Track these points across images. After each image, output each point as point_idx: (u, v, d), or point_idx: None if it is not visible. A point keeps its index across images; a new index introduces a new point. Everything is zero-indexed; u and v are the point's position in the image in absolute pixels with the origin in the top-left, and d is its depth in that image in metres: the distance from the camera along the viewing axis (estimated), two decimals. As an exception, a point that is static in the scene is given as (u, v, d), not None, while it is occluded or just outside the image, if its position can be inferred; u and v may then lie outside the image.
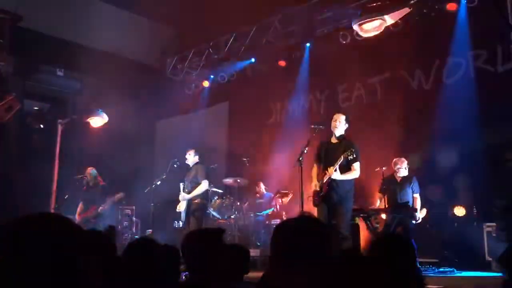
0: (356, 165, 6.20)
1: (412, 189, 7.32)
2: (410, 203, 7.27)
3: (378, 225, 7.46)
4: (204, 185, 7.92)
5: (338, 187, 6.14)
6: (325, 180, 6.11)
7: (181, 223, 8.03)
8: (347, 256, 2.21)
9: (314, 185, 6.31)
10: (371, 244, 2.65)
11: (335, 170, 6.05)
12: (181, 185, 8.06)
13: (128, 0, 10.29)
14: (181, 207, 7.94)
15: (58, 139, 8.11)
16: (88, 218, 8.38)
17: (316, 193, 6.27)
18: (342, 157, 6.05)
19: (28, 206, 8.18)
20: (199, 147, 8.49)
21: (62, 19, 9.97)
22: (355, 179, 6.30)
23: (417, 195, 7.30)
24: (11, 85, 9.48)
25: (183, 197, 7.93)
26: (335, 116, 6.39)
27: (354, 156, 6.08)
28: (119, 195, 8.53)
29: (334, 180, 6.10)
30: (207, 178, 8.00)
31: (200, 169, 8.04)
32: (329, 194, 6.12)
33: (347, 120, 6.37)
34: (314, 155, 6.54)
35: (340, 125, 6.31)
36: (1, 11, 9.02)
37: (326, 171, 6.14)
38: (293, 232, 1.79)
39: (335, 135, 6.36)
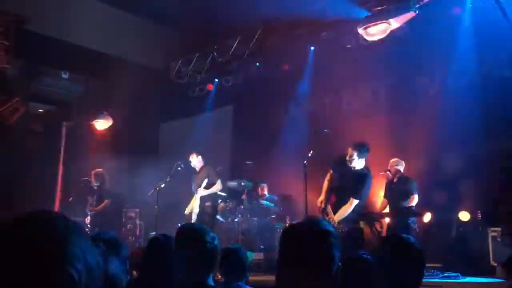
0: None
1: (408, 189, 7.25)
2: (407, 204, 7.22)
3: (382, 230, 7.42)
4: (219, 184, 8.10)
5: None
6: (327, 216, 6.30)
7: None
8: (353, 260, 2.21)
9: (320, 201, 6.38)
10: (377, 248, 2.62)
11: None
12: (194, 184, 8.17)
13: (133, 3, 10.31)
14: (193, 208, 7.96)
15: (63, 141, 8.15)
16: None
17: (320, 211, 6.48)
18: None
19: (32, 209, 8.18)
20: (202, 149, 8.53)
21: (67, 22, 9.98)
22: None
23: (414, 195, 7.21)
24: (16, 87, 9.50)
25: (200, 192, 8.02)
26: (348, 151, 6.35)
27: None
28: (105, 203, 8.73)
29: None
30: (219, 178, 8.17)
31: (211, 170, 8.16)
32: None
33: (361, 154, 6.28)
34: (329, 173, 6.67)
35: (354, 160, 6.32)
36: (6, 13, 9.04)
37: (332, 206, 6.37)
38: (302, 236, 1.78)
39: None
